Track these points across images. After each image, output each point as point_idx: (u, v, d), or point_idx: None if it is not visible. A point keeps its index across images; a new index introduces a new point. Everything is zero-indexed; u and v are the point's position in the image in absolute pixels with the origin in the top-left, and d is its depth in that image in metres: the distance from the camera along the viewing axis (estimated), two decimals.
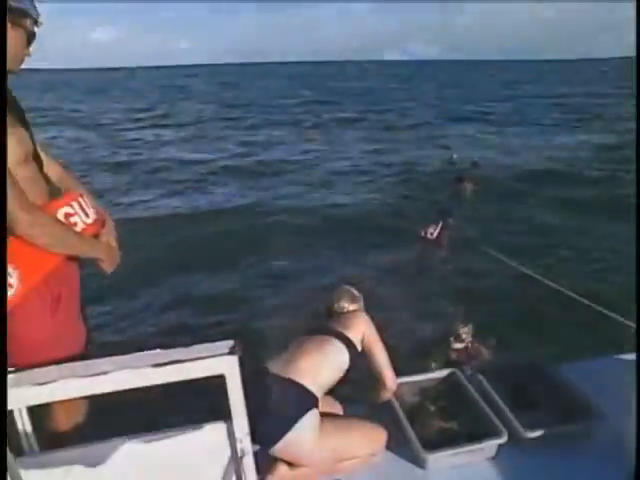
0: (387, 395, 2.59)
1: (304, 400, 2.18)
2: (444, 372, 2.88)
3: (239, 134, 19.58)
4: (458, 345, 4.30)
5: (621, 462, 2.19)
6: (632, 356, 2.61)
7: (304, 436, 2.14)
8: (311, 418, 2.16)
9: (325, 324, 2.56)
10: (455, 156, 13.74)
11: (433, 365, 4.31)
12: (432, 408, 2.67)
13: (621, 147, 14.51)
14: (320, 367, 2.28)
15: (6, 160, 1.69)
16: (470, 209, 9.81)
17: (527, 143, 16.23)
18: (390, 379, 2.51)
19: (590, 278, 6.38)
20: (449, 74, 77.02)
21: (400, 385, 2.76)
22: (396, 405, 2.60)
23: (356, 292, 2.79)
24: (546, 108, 26.30)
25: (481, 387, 2.75)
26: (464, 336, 4.29)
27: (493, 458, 2.44)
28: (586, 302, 4.40)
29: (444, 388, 2.81)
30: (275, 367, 2.31)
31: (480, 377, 2.80)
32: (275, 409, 2.15)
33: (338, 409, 2.61)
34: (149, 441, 1.82)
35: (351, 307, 2.68)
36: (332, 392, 2.59)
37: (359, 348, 2.45)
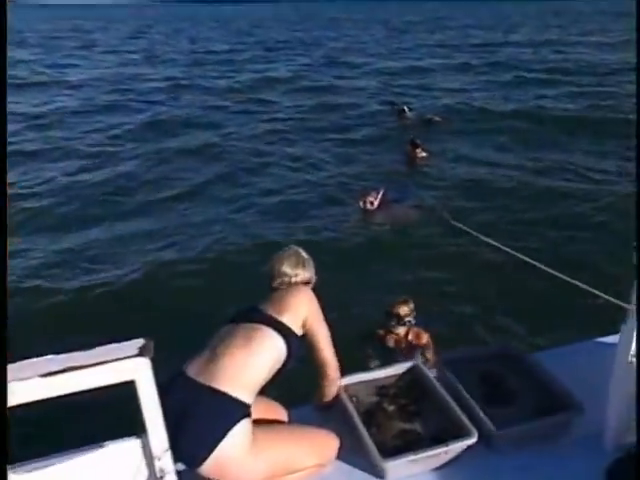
0: (331, 389, 2.60)
1: (230, 411, 2.15)
2: (404, 366, 2.93)
3: (142, 102, 18.38)
4: (400, 329, 4.36)
5: (602, 453, 2.30)
6: (613, 339, 2.71)
7: (234, 453, 2.12)
8: (240, 431, 2.14)
9: (257, 305, 2.52)
10: (407, 110, 13.77)
11: (370, 352, 4.38)
12: (391, 408, 2.70)
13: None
14: (247, 367, 2.24)
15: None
16: (425, 177, 9.94)
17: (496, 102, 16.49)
18: (333, 368, 2.56)
19: (567, 250, 6.59)
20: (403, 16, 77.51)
21: (353, 384, 2.81)
22: (349, 407, 2.61)
23: (305, 254, 2.73)
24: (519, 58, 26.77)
25: (447, 381, 2.80)
26: (406, 318, 4.33)
27: (462, 461, 2.49)
28: (568, 279, 4.52)
29: (404, 384, 2.85)
30: (193, 370, 2.25)
31: (446, 369, 2.86)
32: (196, 425, 2.11)
33: (281, 414, 2.61)
34: (46, 466, 1.77)
35: (297, 275, 2.63)
36: (273, 394, 2.58)
37: (299, 332, 2.44)
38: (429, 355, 4.30)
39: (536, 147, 11.48)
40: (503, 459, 2.50)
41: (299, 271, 2.64)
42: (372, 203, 7.93)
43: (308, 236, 7.35)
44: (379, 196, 8.04)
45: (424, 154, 10.77)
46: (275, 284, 2.63)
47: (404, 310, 4.34)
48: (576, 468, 2.44)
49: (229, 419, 2.13)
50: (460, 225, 6.70)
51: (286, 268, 2.63)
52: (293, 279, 2.63)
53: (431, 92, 18.54)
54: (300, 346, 2.46)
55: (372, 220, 7.85)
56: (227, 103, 17.63)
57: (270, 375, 2.31)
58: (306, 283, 2.68)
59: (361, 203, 7.99)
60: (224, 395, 2.16)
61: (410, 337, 4.40)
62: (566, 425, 2.61)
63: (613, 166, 10.01)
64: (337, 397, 2.68)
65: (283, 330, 2.38)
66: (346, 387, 2.76)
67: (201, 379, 2.20)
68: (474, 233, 6.42)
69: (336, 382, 2.62)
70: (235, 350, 2.27)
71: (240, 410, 2.17)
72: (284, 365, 2.36)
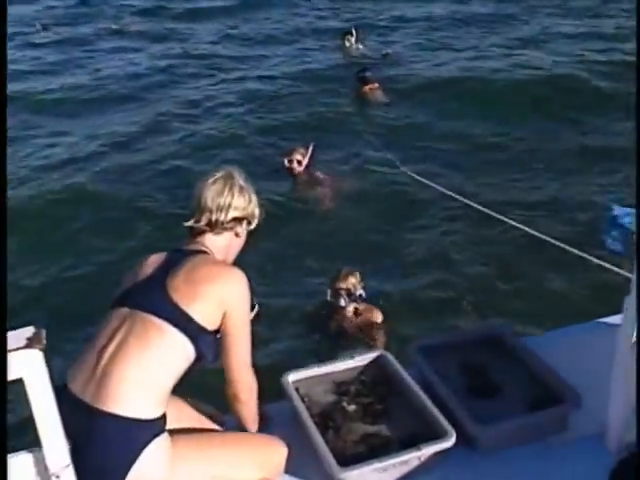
0: (244, 414, 2.43)
1: (134, 436, 2.06)
2: (368, 356, 2.93)
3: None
4: (351, 306, 4.36)
5: (604, 454, 2.34)
6: (614, 319, 2.76)
7: (149, 478, 2.08)
8: (153, 452, 2.06)
9: (163, 276, 2.26)
10: (354, 32, 13.31)
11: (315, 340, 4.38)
12: (351, 408, 2.70)
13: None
14: (146, 377, 2.11)
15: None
16: (378, 120, 9.78)
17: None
18: (243, 387, 2.34)
19: (556, 211, 6.67)
20: None
21: (305, 380, 2.81)
22: (300, 408, 2.60)
23: (241, 180, 2.43)
24: None
25: (420, 373, 2.82)
26: (357, 292, 4.33)
27: (440, 468, 2.50)
28: (561, 245, 4.58)
29: (368, 379, 2.86)
30: (78, 385, 2.12)
31: (418, 358, 2.87)
32: (94, 459, 2.02)
33: (214, 421, 2.58)
34: None
35: (222, 208, 2.34)
36: (204, 397, 2.57)
37: (213, 327, 2.25)
38: (380, 336, 4.34)
39: (517, 87, 11.32)
40: (488, 462, 2.53)
41: (226, 201, 2.35)
42: (300, 162, 7.50)
43: None
44: (308, 153, 7.62)
45: (376, 85, 10.44)
46: (192, 222, 2.37)
47: (351, 282, 4.33)
48: (574, 471, 2.48)
49: (135, 445, 2.04)
50: (421, 179, 6.69)
51: (207, 199, 2.34)
52: (215, 216, 2.34)
53: (390, 22, 17.99)
54: (214, 342, 2.29)
55: (302, 184, 7.58)
56: (134, 43, 16.50)
57: (178, 378, 2.20)
58: (238, 220, 2.40)
59: (285, 162, 7.53)
60: (122, 419, 2.04)
61: (360, 316, 4.40)
62: (562, 421, 2.65)
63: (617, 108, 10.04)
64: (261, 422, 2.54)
65: (191, 329, 2.17)
66: (296, 384, 2.75)
67: (88, 399, 2.07)
68: (439, 188, 6.45)
69: (249, 406, 2.41)
70: (128, 356, 2.10)
71: (147, 430, 2.08)
72: (196, 363, 2.24)
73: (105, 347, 2.14)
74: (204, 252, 2.35)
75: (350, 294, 4.30)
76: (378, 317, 4.45)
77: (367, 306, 4.44)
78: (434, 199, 6.73)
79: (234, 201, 2.37)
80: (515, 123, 9.29)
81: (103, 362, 2.11)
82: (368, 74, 10.48)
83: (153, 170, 8.44)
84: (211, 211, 2.35)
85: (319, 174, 7.59)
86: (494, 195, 6.86)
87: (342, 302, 4.33)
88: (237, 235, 2.45)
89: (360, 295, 4.35)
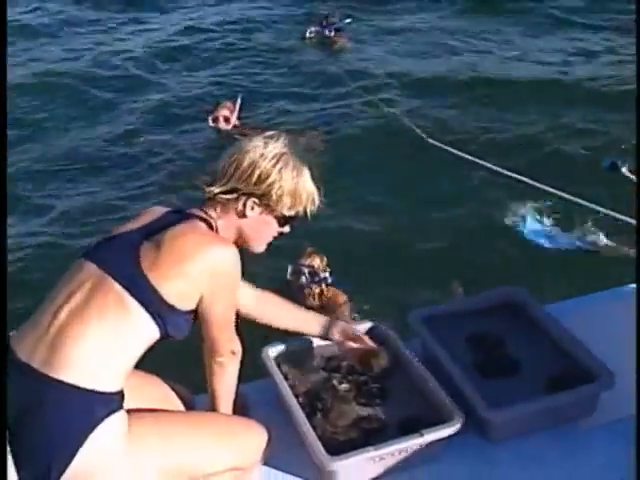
0: (219, 376, 2.35)
1: (88, 409, 2.01)
2: (361, 327, 2.91)
3: None
4: (316, 288, 4.35)
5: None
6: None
7: (101, 462, 2.02)
8: (107, 432, 2.02)
9: (142, 231, 2.20)
10: None
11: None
12: (343, 387, 2.69)
13: None
14: (104, 348, 2.06)
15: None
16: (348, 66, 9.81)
17: None
18: (220, 350, 2.26)
19: (574, 168, 6.74)
20: None
21: (289, 354, 2.80)
22: (282, 386, 2.59)
23: (283, 147, 2.26)
24: None
25: (423, 346, 2.81)
26: (322, 274, 4.33)
27: (445, 456, 2.49)
28: (586, 204, 4.58)
29: (362, 353, 2.80)
30: (25, 351, 2.06)
31: (421, 330, 2.85)
32: (38, 434, 1.98)
33: (183, 401, 2.54)
34: None
35: (231, 177, 2.21)
36: (172, 375, 2.52)
37: (186, 308, 2.17)
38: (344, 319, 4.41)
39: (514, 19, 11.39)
40: (502, 450, 2.52)
41: (234, 160, 2.21)
42: (227, 119, 7.56)
43: (142, 186, 7.19)
44: (236, 107, 7.68)
45: (339, 32, 10.68)
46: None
47: (316, 262, 4.34)
48: (602, 460, 2.47)
49: (88, 420, 2.00)
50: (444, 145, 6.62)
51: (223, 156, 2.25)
52: (215, 178, 2.24)
53: None
54: (186, 323, 2.22)
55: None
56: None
57: (139, 356, 2.15)
58: (241, 194, 2.22)
59: (210, 121, 7.59)
60: (76, 389, 2.00)
61: (325, 298, 4.42)
62: (591, 403, 2.63)
63: None
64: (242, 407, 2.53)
65: (157, 307, 2.09)
66: (278, 359, 2.74)
67: (37, 364, 2.02)
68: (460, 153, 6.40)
69: (226, 371, 2.32)
70: (86, 322, 2.05)
71: (103, 404, 2.03)
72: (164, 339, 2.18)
73: (62, 306, 2.09)
74: (204, 220, 2.24)
75: (313, 274, 4.28)
76: (342, 299, 4.45)
77: (334, 290, 4.45)
78: (425, 152, 6.52)
79: (244, 163, 2.20)
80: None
81: (58, 323, 2.06)
82: (333, 19, 10.70)
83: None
84: (215, 172, 2.26)
85: (252, 131, 7.49)
86: (498, 148, 6.89)
87: (303, 280, 4.32)
88: (240, 215, 2.27)
89: (325, 278, 4.34)
